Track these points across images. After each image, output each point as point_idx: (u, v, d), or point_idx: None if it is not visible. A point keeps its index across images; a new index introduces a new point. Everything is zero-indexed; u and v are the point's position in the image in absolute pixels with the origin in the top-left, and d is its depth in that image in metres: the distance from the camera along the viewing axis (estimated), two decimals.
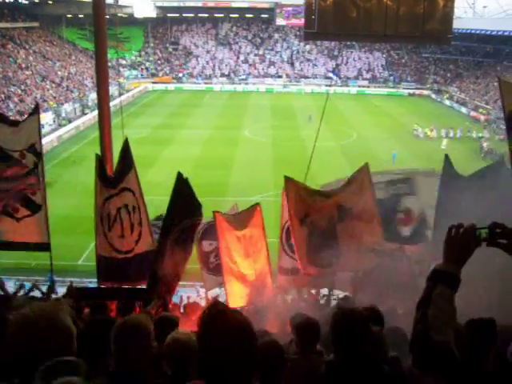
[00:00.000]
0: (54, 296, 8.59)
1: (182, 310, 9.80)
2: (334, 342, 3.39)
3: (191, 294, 14.31)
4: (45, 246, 10.03)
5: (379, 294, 8.47)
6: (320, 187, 11.01)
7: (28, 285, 11.43)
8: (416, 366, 2.96)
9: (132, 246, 9.80)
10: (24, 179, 9.82)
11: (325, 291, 10.34)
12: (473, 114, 65.23)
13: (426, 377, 2.78)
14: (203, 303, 10.73)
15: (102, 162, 10.34)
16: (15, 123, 10.10)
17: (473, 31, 73.89)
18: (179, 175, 9.14)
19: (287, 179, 9.97)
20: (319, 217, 9.76)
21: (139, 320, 3.43)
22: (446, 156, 9.89)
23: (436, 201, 9.49)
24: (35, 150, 9.94)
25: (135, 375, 3.13)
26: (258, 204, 10.59)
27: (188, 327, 7.30)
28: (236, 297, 9.76)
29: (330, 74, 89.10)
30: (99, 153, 11.02)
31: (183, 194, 9.02)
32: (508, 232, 2.64)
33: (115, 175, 10.10)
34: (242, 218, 10.43)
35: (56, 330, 2.22)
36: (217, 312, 2.36)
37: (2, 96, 52.79)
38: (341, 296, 9.83)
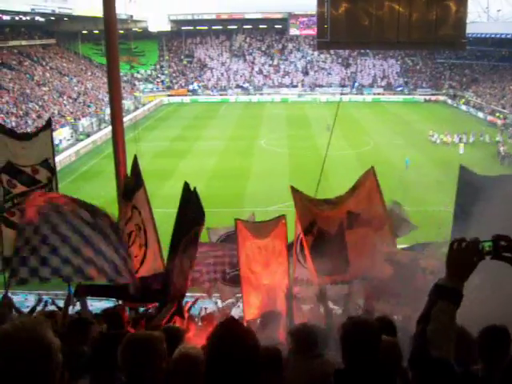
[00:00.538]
0: (71, 308, 8.55)
1: (200, 323, 9.77)
2: (342, 352, 3.35)
3: (209, 305, 14.30)
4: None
5: (395, 303, 8.39)
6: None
7: (47, 299, 11.48)
8: (415, 382, 2.90)
9: (138, 266, 9.55)
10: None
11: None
12: (490, 118, 64.73)
13: None
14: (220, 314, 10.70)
15: (127, 175, 10.26)
16: (25, 137, 10.00)
17: (487, 35, 73.57)
18: (186, 185, 9.10)
19: (293, 190, 9.90)
20: (327, 224, 9.65)
21: (148, 336, 3.42)
22: (461, 166, 9.77)
23: (453, 211, 9.39)
24: (49, 165, 9.90)
25: None
26: (283, 216, 10.45)
27: (204, 339, 7.27)
28: (252, 308, 9.70)
29: (354, 84, 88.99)
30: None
31: (190, 204, 8.99)
32: None
33: (126, 192, 10.03)
34: (265, 227, 10.33)
35: (35, 343, 2.20)
36: (225, 331, 2.38)
37: (21, 113, 53.45)
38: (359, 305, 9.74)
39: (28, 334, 2.19)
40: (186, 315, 8.79)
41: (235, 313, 10.68)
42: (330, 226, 9.56)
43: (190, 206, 8.90)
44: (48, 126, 10.30)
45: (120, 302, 9.80)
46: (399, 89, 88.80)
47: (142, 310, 10.21)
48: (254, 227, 10.31)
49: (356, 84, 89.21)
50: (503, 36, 70.79)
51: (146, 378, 3.17)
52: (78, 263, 7.78)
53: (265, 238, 10.18)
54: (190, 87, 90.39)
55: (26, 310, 9.62)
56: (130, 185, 9.92)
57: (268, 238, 10.19)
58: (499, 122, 60.86)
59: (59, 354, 2.26)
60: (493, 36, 73.10)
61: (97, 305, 11.86)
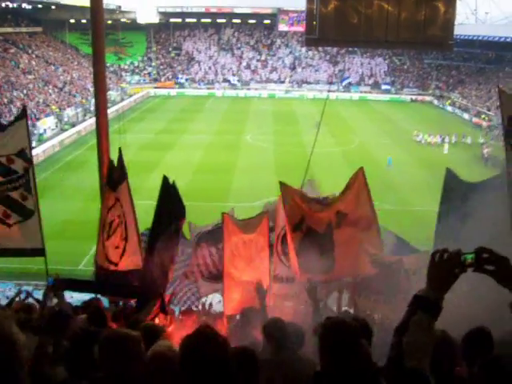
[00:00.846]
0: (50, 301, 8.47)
1: (180, 317, 9.74)
2: (320, 352, 3.29)
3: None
4: (40, 252, 9.89)
5: (375, 300, 8.43)
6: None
7: (26, 290, 11.38)
8: None
9: (117, 259, 9.60)
10: (12, 185, 9.60)
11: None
12: (475, 120, 65.17)
13: None
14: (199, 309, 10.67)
15: (112, 164, 10.03)
16: (2, 128, 9.84)
17: (475, 37, 74.00)
18: (164, 179, 9.01)
19: (282, 185, 9.88)
20: (316, 223, 9.65)
21: (125, 335, 3.38)
22: (448, 170, 9.77)
23: (437, 213, 9.41)
24: (25, 155, 9.69)
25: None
26: (266, 212, 10.49)
27: (182, 333, 7.24)
28: (233, 303, 9.68)
29: (346, 81, 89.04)
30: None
31: (169, 198, 8.90)
32: (496, 258, 2.54)
33: (110, 180, 9.94)
34: (250, 223, 10.34)
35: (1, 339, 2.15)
36: (198, 338, 2.39)
37: (5, 100, 52.91)
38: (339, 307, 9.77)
39: None
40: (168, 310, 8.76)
41: (216, 308, 10.63)
42: (318, 225, 9.57)
43: (169, 200, 8.82)
44: (23, 115, 10.07)
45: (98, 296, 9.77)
46: (385, 87, 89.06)
47: (120, 303, 10.15)
48: (240, 223, 10.30)
49: (348, 79, 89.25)
50: (490, 38, 71.26)
51: (122, 375, 3.14)
52: None
53: (251, 234, 10.18)
54: (179, 79, 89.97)
55: (4, 301, 9.57)
56: (115, 175, 9.80)
57: (254, 233, 10.20)
58: (484, 123, 61.28)
59: (24, 351, 2.22)
60: (480, 38, 73.50)
61: (77, 296, 11.78)
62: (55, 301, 8.37)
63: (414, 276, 8.55)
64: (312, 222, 9.58)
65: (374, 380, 3.09)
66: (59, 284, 7.64)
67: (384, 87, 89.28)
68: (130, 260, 9.49)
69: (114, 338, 3.35)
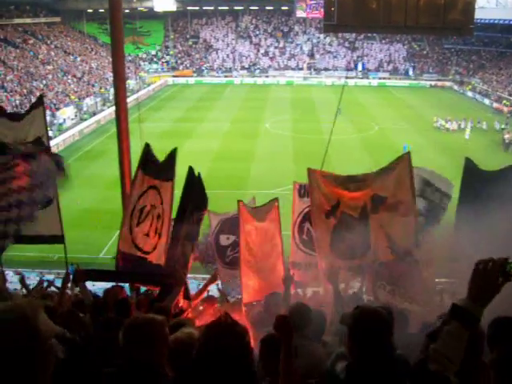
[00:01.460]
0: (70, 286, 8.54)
1: (200, 306, 9.80)
2: (350, 342, 3.20)
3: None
4: (59, 239, 9.94)
5: (390, 291, 8.38)
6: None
7: (49, 278, 11.52)
8: None
9: (150, 249, 9.48)
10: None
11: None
12: (496, 105, 64.36)
13: None
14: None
15: (150, 152, 9.64)
16: (17, 117, 9.76)
17: (496, 21, 72.87)
18: (190, 170, 8.99)
19: (311, 170, 9.75)
20: (351, 208, 9.50)
21: (150, 319, 3.41)
22: (467, 159, 9.58)
23: (457, 204, 9.26)
24: (42, 144, 9.58)
25: (144, 371, 3.15)
26: (276, 199, 10.48)
27: (204, 321, 7.31)
28: (251, 290, 9.71)
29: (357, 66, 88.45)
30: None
31: (193, 189, 8.90)
32: None
33: (157, 170, 9.57)
34: (261, 211, 10.37)
35: (21, 328, 2.12)
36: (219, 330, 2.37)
37: (25, 91, 53.33)
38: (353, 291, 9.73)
39: (15, 317, 2.14)
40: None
41: (234, 295, 10.70)
42: (353, 210, 9.40)
43: (194, 191, 8.83)
44: (40, 103, 10.02)
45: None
46: (410, 72, 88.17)
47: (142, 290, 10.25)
48: (253, 210, 10.33)
49: (362, 66, 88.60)
50: (511, 22, 70.14)
51: (146, 361, 3.17)
52: None
53: (262, 222, 10.20)
54: (198, 68, 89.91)
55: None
56: (157, 164, 9.57)
57: (265, 221, 10.22)
58: (505, 109, 60.51)
59: (49, 342, 2.20)
60: (501, 22, 72.38)
61: (98, 285, 11.89)
62: (77, 289, 8.48)
63: (426, 268, 8.44)
64: (347, 208, 9.44)
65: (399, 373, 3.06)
66: (80, 275, 7.68)
67: (409, 72, 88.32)
68: (159, 257, 9.47)
69: (139, 322, 3.38)
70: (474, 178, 9.22)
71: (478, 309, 2.54)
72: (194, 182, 8.90)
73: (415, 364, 2.64)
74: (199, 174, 8.93)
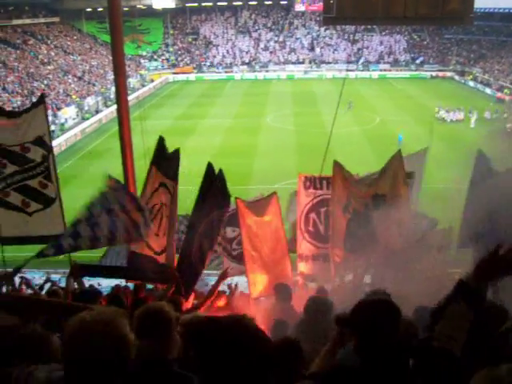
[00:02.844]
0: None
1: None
2: (360, 331, 3.11)
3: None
4: None
5: (398, 279, 8.42)
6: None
7: (55, 277, 11.55)
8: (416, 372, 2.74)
9: (161, 249, 9.34)
10: (29, 173, 9.45)
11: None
12: (498, 94, 64.12)
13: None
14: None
15: (163, 145, 9.35)
16: (16, 114, 9.61)
17: (495, 10, 72.60)
18: (209, 166, 8.86)
19: (337, 164, 10.00)
20: (358, 204, 9.81)
21: (161, 306, 3.48)
22: (478, 151, 9.63)
23: (466, 197, 9.33)
24: (43, 143, 9.51)
25: (157, 360, 3.18)
26: (274, 193, 10.57)
27: (211, 314, 7.33)
28: (258, 285, 9.77)
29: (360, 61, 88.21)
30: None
31: (213, 185, 8.77)
32: None
33: (167, 168, 9.28)
34: (261, 205, 10.43)
35: (112, 337, 2.16)
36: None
37: (26, 92, 53.35)
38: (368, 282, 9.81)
39: (105, 327, 2.16)
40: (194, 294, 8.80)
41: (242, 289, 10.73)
42: (360, 206, 9.73)
43: (214, 188, 8.68)
44: (41, 101, 9.87)
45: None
46: (418, 60, 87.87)
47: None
48: (252, 205, 10.38)
49: (362, 60, 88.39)
50: None
51: (158, 345, 3.23)
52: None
53: (262, 216, 10.26)
54: (198, 64, 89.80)
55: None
56: (167, 162, 9.33)
57: (265, 215, 10.29)
58: (507, 98, 60.32)
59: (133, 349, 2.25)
60: (501, 11, 72.11)
61: (104, 283, 11.95)
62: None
63: (438, 253, 8.53)
64: (357, 205, 9.73)
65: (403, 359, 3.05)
66: (77, 271, 7.68)
67: (417, 61, 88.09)
68: (167, 259, 9.37)
69: (150, 308, 3.45)
70: (485, 173, 9.27)
71: (483, 285, 2.53)
72: (214, 179, 8.73)
73: (419, 341, 2.63)
74: (221, 170, 8.78)
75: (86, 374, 2.14)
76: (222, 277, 7.73)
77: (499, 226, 7.04)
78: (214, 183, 8.66)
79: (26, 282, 9.33)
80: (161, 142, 9.29)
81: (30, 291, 9.72)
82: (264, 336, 2.36)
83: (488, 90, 68.49)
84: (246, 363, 2.16)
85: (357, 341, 3.15)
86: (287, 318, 6.46)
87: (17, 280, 9.30)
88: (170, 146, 9.41)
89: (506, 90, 63.29)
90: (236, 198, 10.08)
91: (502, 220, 7.06)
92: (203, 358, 2.19)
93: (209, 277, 15.23)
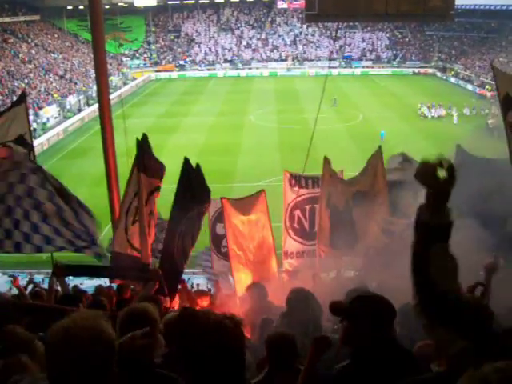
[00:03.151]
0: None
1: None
2: (353, 329, 3.10)
3: (200, 280, 14.34)
4: None
5: (387, 272, 8.46)
6: None
7: (39, 278, 11.43)
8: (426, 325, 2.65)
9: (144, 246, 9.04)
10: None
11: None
12: (479, 90, 64.66)
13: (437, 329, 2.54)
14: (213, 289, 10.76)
15: (147, 143, 8.93)
16: None
17: (476, 6, 73.17)
18: (186, 161, 8.75)
19: (327, 160, 10.10)
20: (337, 200, 9.91)
21: (145, 308, 3.46)
22: (458, 146, 9.76)
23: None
24: (24, 141, 9.32)
25: (140, 361, 3.15)
26: (263, 190, 10.58)
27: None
28: (243, 284, 9.75)
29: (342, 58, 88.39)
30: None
31: (191, 180, 8.66)
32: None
33: (140, 164, 8.91)
34: (247, 203, 10.42)
35: (100, 342, 2.12)
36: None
37: (6, 91, 52.83)
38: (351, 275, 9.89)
39: (90, 332, 2.12)
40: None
41: (225, 286, 10.72)
42: (339, 202, 9.84)
43: (192, 183, 8.59)
44: (22, 100, 9.68)
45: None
46: (398, 57, 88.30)
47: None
48: (238, 203, 10.37)
49: (348, 56, 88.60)
50: (492, 7, 70.54)
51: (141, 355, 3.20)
52: (43, 233, 7.76)
53: (249, 214, 10.26)
54: (181, 62, 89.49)
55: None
56: (153, 160, 9.12)
57: (251, 214, 10.29)
58: (488, 94, 60.80)
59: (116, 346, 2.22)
60: (482, 7, 72.67)
61: (88, 283, 11.87)
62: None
63: None
64: (335, 200, 9.83)
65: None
66: (59, 270, 7.61)
67: (397, 59, 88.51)
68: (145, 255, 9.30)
69: (134, 310, 3.43)
70: (467, 165, 9.36)
71: (435, 216, 2.43)
72: (192, 174, 8.63)
73: (420, 291, 2.51)
74: (198, 165, 8.67)
75: (72, 381, 2.10)
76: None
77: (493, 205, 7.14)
78: (191, 179, 8.57)
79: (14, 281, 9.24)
80: (144, 140, 8.87)
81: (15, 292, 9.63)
82: (241, 337, 2.35)
83: (469, 87, 69.01)
84: (223, 362, 2.16)
85: (347, 333, 3.14)
86: (268, 315, 6.48)
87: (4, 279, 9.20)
88: (154, 145, 9.29)
89: (487, 87, 63.75)
90: (221, 198, 10.07)
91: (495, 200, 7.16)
92: (183, 356, 2.18)
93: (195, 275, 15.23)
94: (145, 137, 8.86)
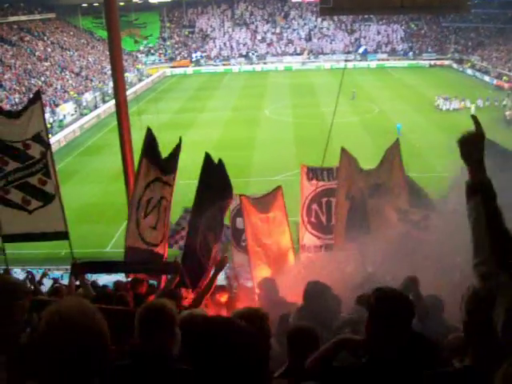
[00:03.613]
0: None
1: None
2: (370, 325, 3.09)
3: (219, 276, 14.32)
4: (63, 235, 9.87)
5: (402, 265, 8.44)
6: None
7: (57, 274, 11.54)
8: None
9: (159, 241, 9.38)
10: (29, 170, 9.45)
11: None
12: (496, 82, 63.98)
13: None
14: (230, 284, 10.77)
15: (153, 136, 9.33)
16: (15, 115, 9.62)
17: None
18: (207, 157, 8.78)
19: (343, 151, 10.10)
20: (356, 191, 9.94)
21: (163, 304, 3.49)
22: (486, 139, 9.67)
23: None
24: (41, 139, 9.54)
25: (160, 357, 3.19)
26: (279, 187, 10.58)
27: (215, 311, 7.33)
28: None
29: (361, 49, 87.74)
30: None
31: (212, 176, 8.69)
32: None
33: (165, 164, 9.34)
34: (265, 201, 10.43)
35: (91, 326, 2.11)
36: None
37: (23, 89, 53.24)
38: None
39: (82, 317, 2.11)
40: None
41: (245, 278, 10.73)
42: (356, 193, 9.87)
43: (214, 178, 8.61)
44: (37, 98, 9.89)
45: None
46: (414, 50, 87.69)
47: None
48: (256, 202, 10.39)
49: (363, 47, 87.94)
50: None
51: (159, 343, 3.24)
52: None
53: (267, 212, 10.28)
54: (193, 56, 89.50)
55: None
56: (159, 154, 9.34)
57: (270, 212, 10.31)
58: (506, 85, 60.18)
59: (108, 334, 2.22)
60: None
61: (104, 278, 11.96)
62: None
63: (424, 231, 8.56)
64: (353, 191, 9.88)
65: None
66: (78, 268, 7.66)
67: (409, 54, 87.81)
68: (164, 246, 9.41)
69: (152, 307, 3.47)
70: (493, 155, 9.26)
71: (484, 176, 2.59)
72: (214, 170, 8.65)
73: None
74: (220, 160, 8.69)
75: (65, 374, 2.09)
76: (220, 267, 7.63)
77: None
78: (213, 174, 8.60)
79: (32, 277, 9.34)
80: (148, 133, 9.26)
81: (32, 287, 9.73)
82: (256, 339, 2.35)
83: (486, 78, 68.26)
84: (236, 364, 2.16)
85: (371, 329, 3.12)
86: (282, 310, 6.48)
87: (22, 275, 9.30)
88: (169, 140, 9.38)
89: (504, 77, 63.11)
90: (240, 196, 10.09)
91: None
92: (195, 356, 2.20)
93: None
94: (149, 131, 9.18)
